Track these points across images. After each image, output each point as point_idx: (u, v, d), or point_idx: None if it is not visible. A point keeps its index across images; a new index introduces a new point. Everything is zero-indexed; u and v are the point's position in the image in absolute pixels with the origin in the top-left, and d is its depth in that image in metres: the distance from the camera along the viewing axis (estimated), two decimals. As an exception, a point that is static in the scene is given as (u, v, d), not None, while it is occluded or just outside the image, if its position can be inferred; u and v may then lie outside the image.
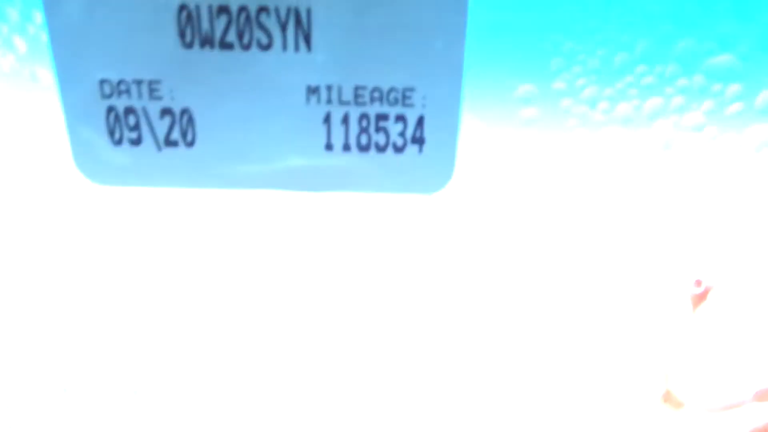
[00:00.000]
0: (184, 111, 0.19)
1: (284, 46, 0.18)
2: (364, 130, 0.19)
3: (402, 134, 0.19)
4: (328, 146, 0.19)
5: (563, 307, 0.23)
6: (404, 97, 0.18)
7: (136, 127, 0.19)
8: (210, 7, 0.17)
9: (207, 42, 0.18)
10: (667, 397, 0.23)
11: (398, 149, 0.19)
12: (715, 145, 0.19)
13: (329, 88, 0.18)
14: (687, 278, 0.21)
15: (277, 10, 0.17)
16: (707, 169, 0.20)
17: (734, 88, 0.18)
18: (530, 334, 0.23)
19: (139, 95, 0.19)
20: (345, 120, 0.19)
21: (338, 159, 0.19)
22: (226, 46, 0.18)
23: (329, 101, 0.18)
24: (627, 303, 0.23)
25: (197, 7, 0.17)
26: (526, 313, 0.23)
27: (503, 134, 0.19)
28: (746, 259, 0.21)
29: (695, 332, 0.22)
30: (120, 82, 0.18)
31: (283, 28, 0.17)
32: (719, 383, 0.23)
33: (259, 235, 0.23)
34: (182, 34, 0.18)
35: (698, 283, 0.21)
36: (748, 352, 0.23)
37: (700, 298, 0.21)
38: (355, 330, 0.24)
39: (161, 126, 0.19)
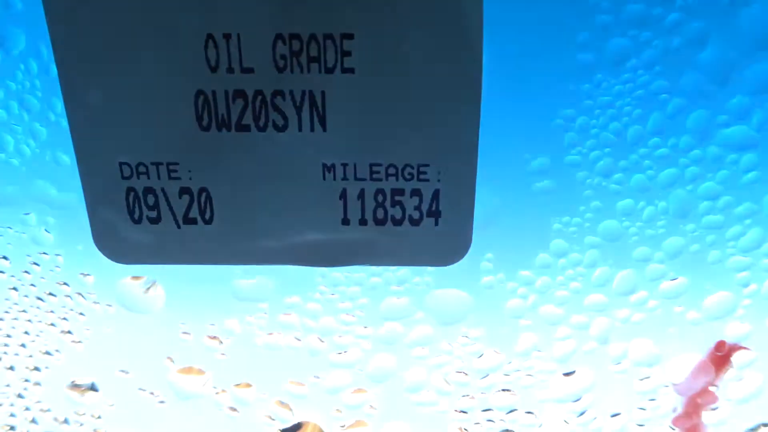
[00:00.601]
0: (203, 190, 0.19)
1: (300, 127, 0.18)
2: (380, 204, 0.19)
3: (418, 208, 0.19)
4: (345, 221, 0.19)
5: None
6: (419, 172, 0.18)
7: (155, 206, 0.19)
8: (226, 93, 0.18)
9: (223, 125, 0.18)
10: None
11: (414, 222, 0.19)
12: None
13: (345, 165, 0.18)
14: (710, 342, 0.21)
15: (292, 94, 0.18)
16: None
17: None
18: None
19: (158, 176, 0.19)
20: (361, 195, 0.19)
21: (355, 233, 0.19)
22: (242, 128, 0.18)
23: (345, 178, 0.19)
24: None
25: (213, 93, 0.18)
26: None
27: (518, 206, 0.19)
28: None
29: (721, 394, 0.22)
30: (139, 165, 0.19)
31: (299, 110, 0.18)
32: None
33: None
34: (199, 118, 0.18)
35: (721, 345, 0.21)
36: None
37: (724, 360, 0.21)
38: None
39: (180, 205, 0.19)
